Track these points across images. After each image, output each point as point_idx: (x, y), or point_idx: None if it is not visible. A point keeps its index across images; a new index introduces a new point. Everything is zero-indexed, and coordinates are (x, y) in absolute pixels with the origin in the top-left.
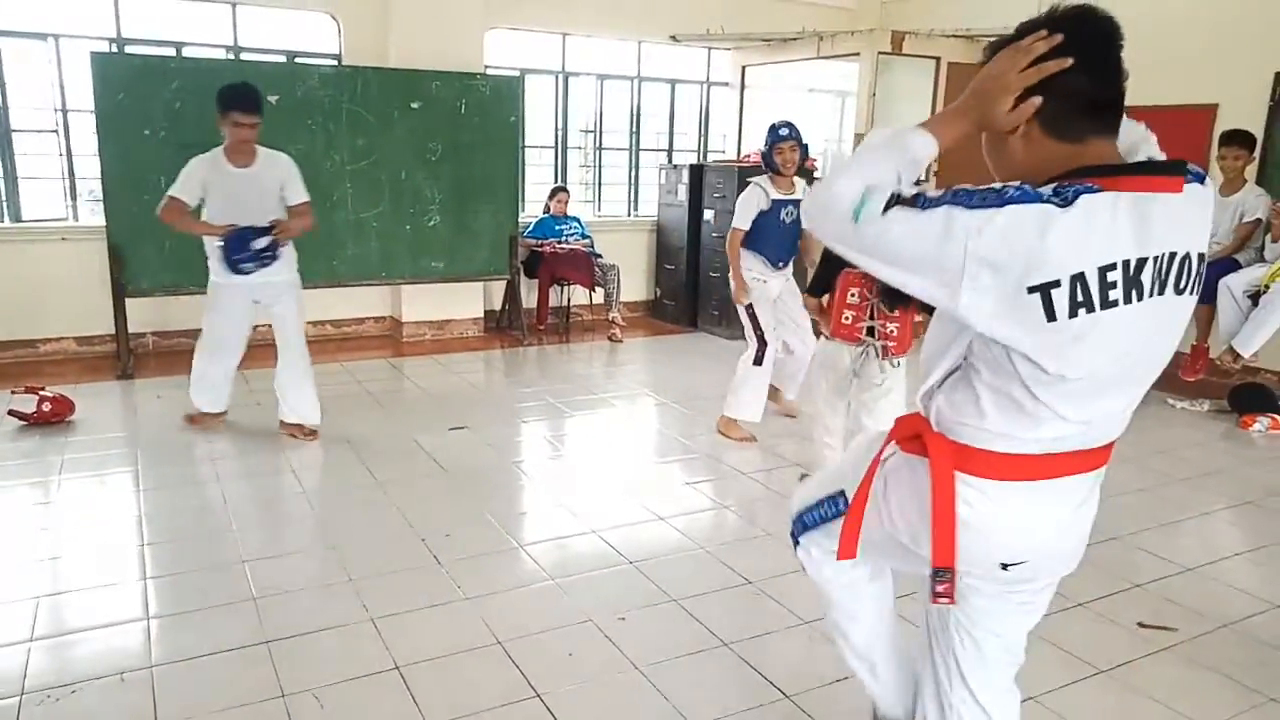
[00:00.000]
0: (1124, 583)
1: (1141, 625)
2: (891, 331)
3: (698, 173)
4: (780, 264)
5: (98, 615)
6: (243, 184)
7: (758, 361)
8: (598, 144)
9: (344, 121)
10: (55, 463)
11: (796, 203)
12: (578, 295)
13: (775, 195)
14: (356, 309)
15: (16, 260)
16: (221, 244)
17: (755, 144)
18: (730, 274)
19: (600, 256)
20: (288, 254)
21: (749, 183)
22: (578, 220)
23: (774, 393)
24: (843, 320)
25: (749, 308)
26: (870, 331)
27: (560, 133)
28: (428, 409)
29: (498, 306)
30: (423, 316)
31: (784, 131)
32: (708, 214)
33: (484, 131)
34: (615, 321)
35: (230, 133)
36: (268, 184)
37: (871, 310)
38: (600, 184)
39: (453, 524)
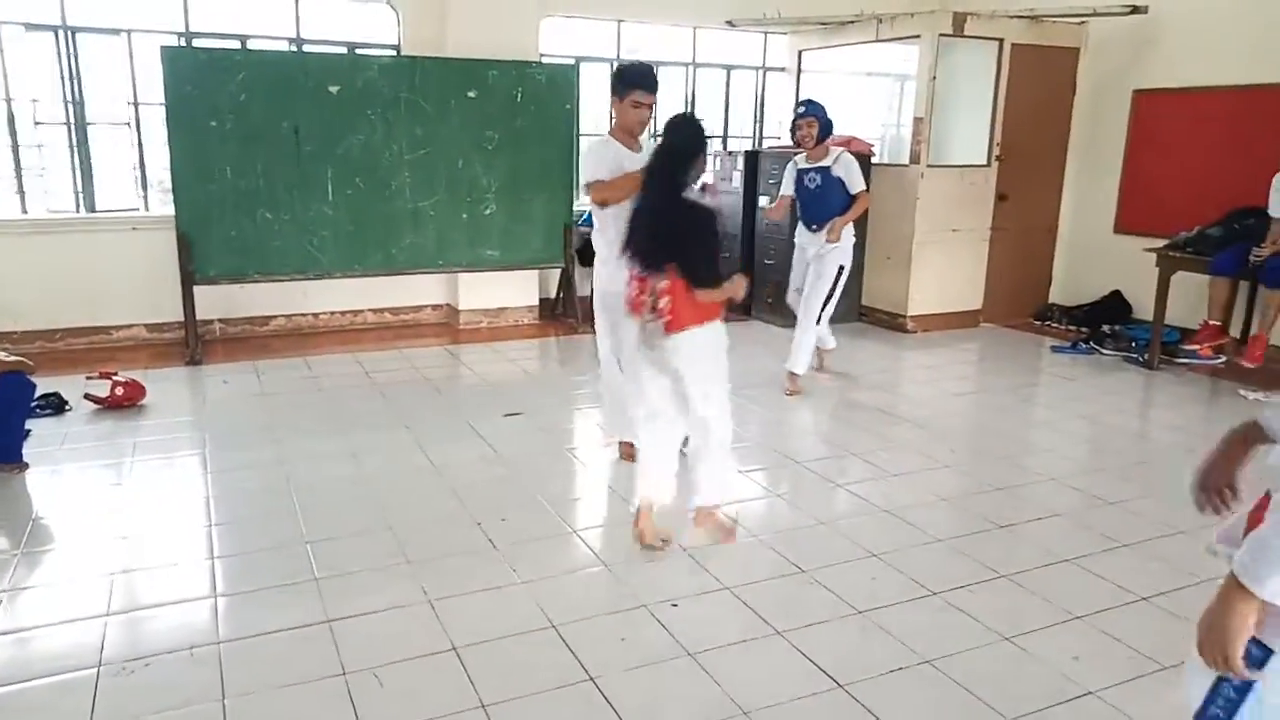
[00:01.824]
0: (1190, 578)
1: None
2: (664, 306)
3: (753, 159)
4: (813, 225)
5: (168, 592)
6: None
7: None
8: (652, 132)
9: (402, 111)
10: (127, 445)
11: (819, 170)
12: None
13: (801, 165)
14: (414, 297)
15: (90, 249)
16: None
17: None
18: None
19: None
20: None
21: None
22: None
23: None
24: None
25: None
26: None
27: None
28: (483, 395)
29: (552, 294)
30: (479, 304)
31: (801, 109)
32: (763, 200)
33: (539, 120)
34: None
35: (628, 114)
36: None
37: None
38: None
39: (508, 508)
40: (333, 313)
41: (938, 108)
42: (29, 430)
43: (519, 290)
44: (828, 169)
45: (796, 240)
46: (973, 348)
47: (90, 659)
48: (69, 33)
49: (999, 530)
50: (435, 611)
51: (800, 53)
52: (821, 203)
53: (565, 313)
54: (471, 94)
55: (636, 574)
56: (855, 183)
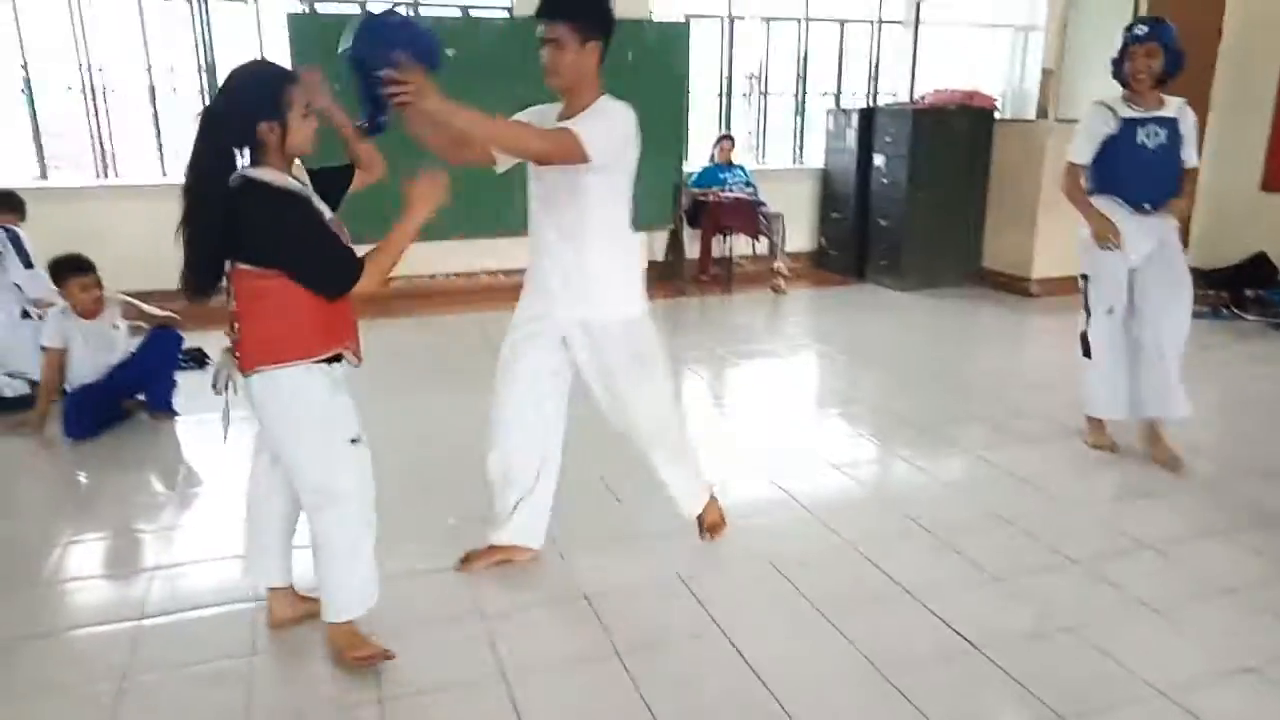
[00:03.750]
0: None
1: None
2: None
3: (868, 117)
4: (1145, 206)
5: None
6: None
7: (1085, 350)
8: (763, 89)
9: (515, 73)
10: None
11: (1162, 121)
12: (740, 245)
13: (1126, 113)
14: (525, 259)
15: None
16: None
17: (930, 85)
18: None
19: (765, 205)
20: None
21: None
22: (742, 168)
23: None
24: None
25: (1083, 275)
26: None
27: (726, 79)
28: None
29: (660, 257)
30: None
31: (1141, 30)
32: (878, 159)
33: (650, 80)
34: (779, 271)
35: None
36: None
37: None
38: (765, 131)
39: (628, 466)
40: (449, 274)
41: (1069, 61)
42: (176, 381)
43: None
44: (1175, 122)
45: (1096, 235)
46: None
47: (245, 593)
48: (203, 3)
49: (1143, 500)
50: (564, 560)
51: (918, 4)
52: (1165, 170)
53: (674, 275)
54: None
55: (759, 532)
56: (1193, 153)
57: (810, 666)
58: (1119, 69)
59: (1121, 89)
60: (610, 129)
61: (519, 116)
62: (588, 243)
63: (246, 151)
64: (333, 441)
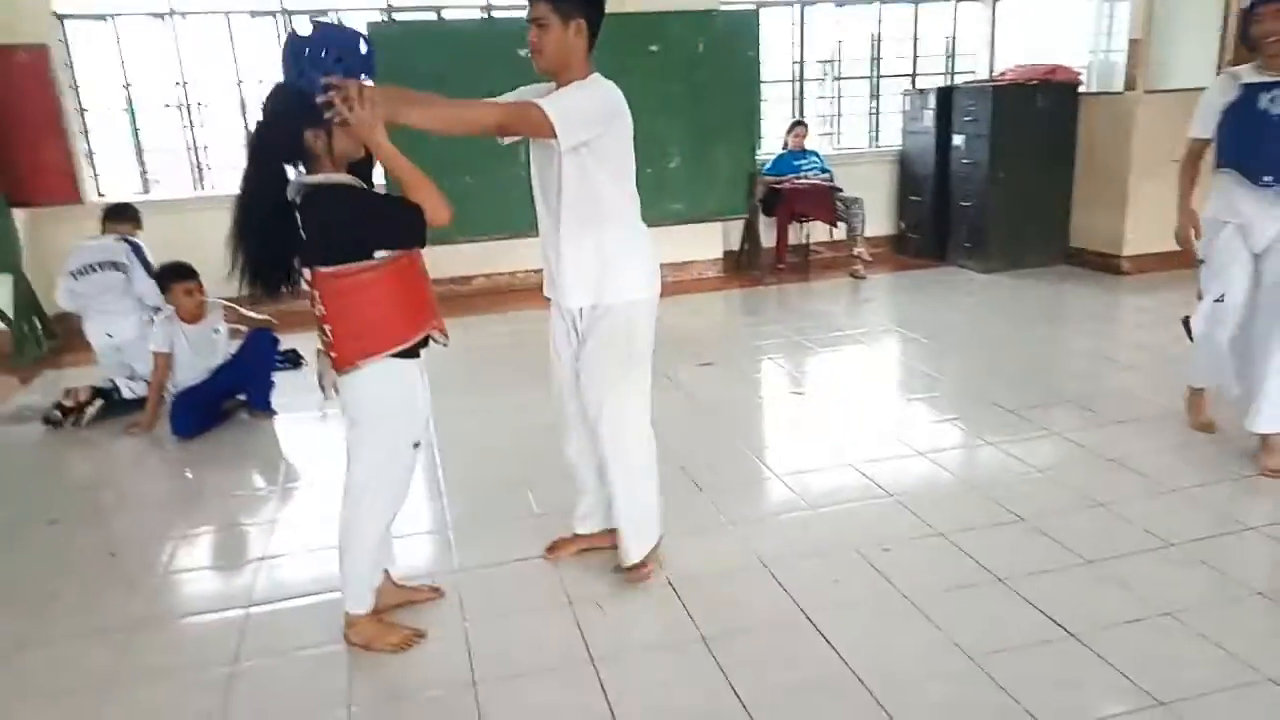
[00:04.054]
0: None
1: None
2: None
3: (945, 96)
4: (1265, 179)
5: (405, 525)
6: None
7: (1188, 334)
8: (836, 74)
9: (494, 75)
10: None
11: None
12: (817, 232)
13: (1250, 79)
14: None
15: None
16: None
17: (1010, 61)
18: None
19: (841, 190)
20: None
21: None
22: (817, 154)
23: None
24: None
25: (1199, 259)
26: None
27: (798, 65)
28: (675, 346)
29: (736, 246)
30: (663, 258)
31: None
32: (957, 139)
33: (722, 69)
34: (859, 257)
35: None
36: None
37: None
38: (839, 115)
39: (709, 453)
40: (529, 271)
41: (1157, 28)
42: (274, 382)
43: (703, 243)
44: None
45: (1218, 215)
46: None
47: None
48: (287, 16)
49: (1243, 482)
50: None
51: None
52: None
53: (750, 264)
54: (654, 48)
55: (844, 519)
56: None
57: (900, 655)
58: (1245, 33)
59: (1251, 56)
60: (584, 104)
61: (508, 96)
62: (578, 229)
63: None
64: (399, 442)
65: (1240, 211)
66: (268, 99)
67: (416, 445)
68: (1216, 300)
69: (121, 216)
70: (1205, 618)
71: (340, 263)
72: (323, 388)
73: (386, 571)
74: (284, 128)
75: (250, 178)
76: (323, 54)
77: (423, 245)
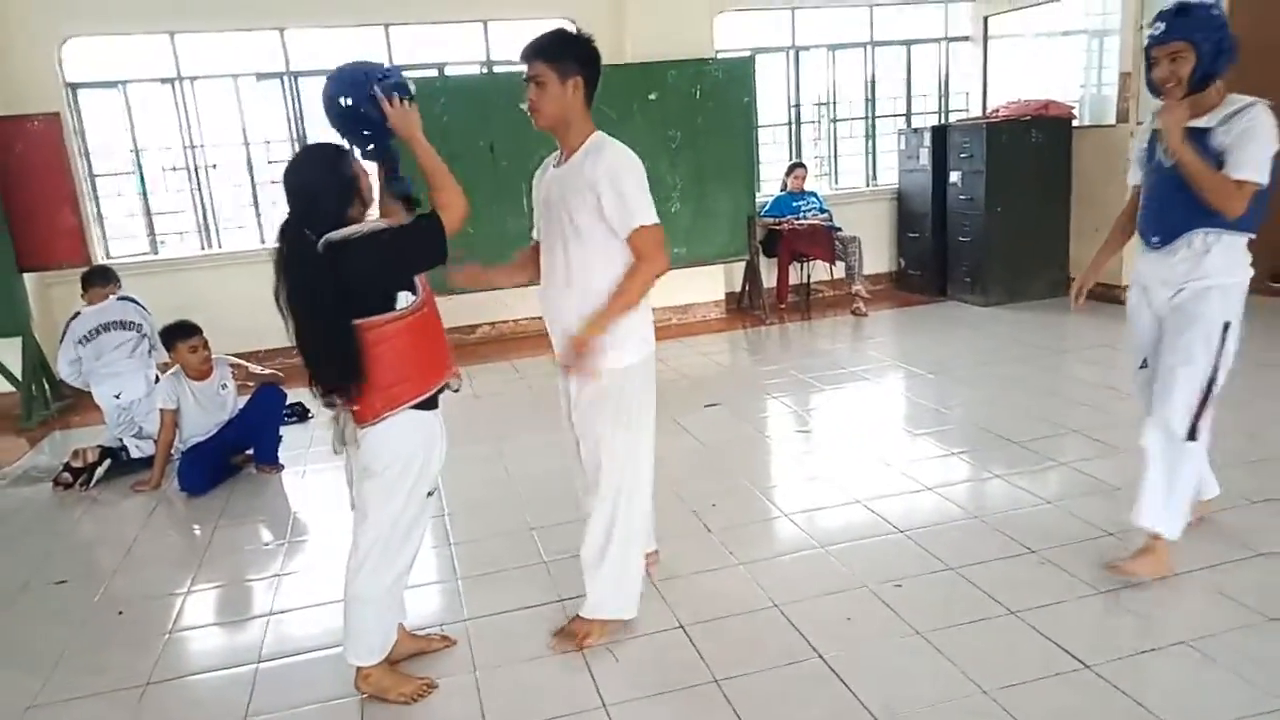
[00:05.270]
0: None
1: None
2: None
3: (940, 134)
4: (1152, 240)
5: (415, 575)
6: None
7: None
8: (832, 116)
9: (493, 129)
10: None
11: (1192, 133)
12: (818, 271)
13: (1154, 125)
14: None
15: None
16: None
17: (1002, 98)
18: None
19: (840, 230)
20: None
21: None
22: (815, 195)
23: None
24: None
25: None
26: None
27: (794, 108)
28: (680, 388)
29: (738, 288)
30: (666, 301)
31: (1158, 29)
32: (954, 176)
33: (719, 115)
34: (859, 295)
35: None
36: None
37: None
38: (836, 156)
39: (717, 495)
40: (531, 318)
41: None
42: (281, 435)
43: (705, 286)
44: (1206, 134)
45: (1132, 278)
46: None
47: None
48: (293, 78)
49: (1253, 505)
50: (659, 592)
51: (986, 19)
52: (1180, 195)
53: (752, 305)
54: (652, 96)
55: (854, 556)
56: (1242, 163)
57: (914, 689)
58: (1148, 79)
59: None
60: (638, 189)
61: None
62: (580, 301)
63: None
64: (416, 493)
65: (1140, 271)
66: (300, 175)
67: (430, 494)
68: (1140, 367)
69: (107, 280)
70: (1221, 646)
71: (366, 315)
72: (343, 442)
73: (400, 623)
74: (330, 206)
75: (301, 292)
76: (381, 77)
77: (444, 258)
